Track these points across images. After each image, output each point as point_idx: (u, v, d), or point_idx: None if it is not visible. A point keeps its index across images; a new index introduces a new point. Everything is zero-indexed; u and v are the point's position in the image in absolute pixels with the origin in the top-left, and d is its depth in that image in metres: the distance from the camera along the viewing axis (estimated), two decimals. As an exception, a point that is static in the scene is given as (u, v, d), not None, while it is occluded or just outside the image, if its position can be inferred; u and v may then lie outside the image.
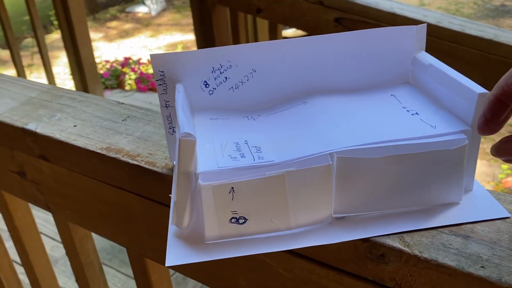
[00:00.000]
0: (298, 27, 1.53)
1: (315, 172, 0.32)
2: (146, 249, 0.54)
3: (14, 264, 0.98)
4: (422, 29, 0.43)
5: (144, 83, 3.23)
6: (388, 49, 0.43)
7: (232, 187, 0.32)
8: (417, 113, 0.39)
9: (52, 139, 0.51)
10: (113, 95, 2.89)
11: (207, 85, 0.40)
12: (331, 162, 0.33)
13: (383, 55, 0.43)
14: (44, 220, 1.71)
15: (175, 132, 0.41)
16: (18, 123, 0.55)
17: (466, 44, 1.22)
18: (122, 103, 0.57)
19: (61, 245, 1.73)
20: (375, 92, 0.43)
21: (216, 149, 0.35)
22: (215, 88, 0.40)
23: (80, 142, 0.49)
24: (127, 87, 3.34)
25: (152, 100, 2.77)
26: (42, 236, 0.89)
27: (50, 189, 0.58)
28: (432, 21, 1.28)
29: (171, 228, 0.35)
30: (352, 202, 0.35)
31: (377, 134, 0.35)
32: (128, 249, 0.59)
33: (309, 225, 0.35)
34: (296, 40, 0.40)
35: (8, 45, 2.26)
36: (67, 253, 0.75)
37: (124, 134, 0.51)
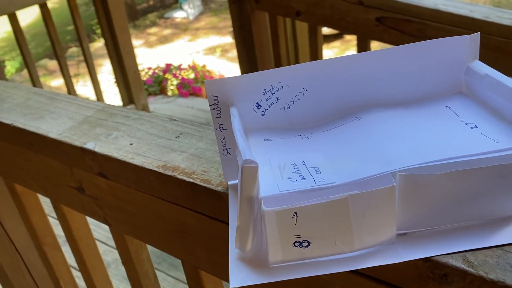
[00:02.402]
0: (338, 29, 1.52)
1: (379, 194, 0.32)
2: (201, 262, 0.56)
3: (71, 268, 1.03)
4: (476, 38, 0.42)
5: (186, 88, 3.29)
6: (440, 60, 0.42)
7: (295, 212, 0.32)
8: (476, 126, 0.38)
9: (110, 157, 0.53)
10: (156, 101, 2.97)
11: (259, 107, 0.41)
12: (395, 184, 0.33)
13: (436, 67, 0.42)
14: (96, 226, 1.78)
15: (229, 153, 0.42)
16: (77, 143, 0.57)
17: (517, 38, 1.17)
18: (175, 120, 0.58)
19: (113, 250, 1.79)
20: (429, 104, 0.42)
21: (275, 172, 0.36)
22: (267, 109, 0.41)
23: (137, 161, 0.51)
24: (170, 93, 3.41)
25: (194, 104, 2.82)
26: (94, 241, 0.92)
27: (108, 204, 0.61)
28: (479, 16, 1.24)
29: (233, 251, 0.36)
30: (414, 218, 0.35)
31: (439, 151, 0.35)
32: (183, 261, 0.60)
33: (372, 247, 0.35)
34: (346, 57, 0.40)
35: (56, 57, 2.36)
36: (123, 263, 0.78)
37: (178, 151, 0.52)
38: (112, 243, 1.77)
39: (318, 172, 0.35)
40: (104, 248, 1.77)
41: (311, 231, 0.33)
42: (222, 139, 0.41)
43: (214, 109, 0.40)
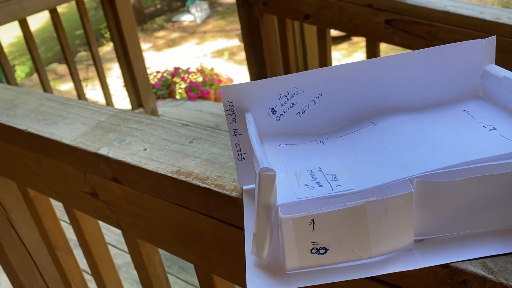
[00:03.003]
0: (347, 31, 1.52)
1: (397, 201, 0.32)
2: (214, 267, 0.56)
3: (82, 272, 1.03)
4: (491, 42, 0.42)
5: (194, 92, 3.31)
6: (456, 64, 0.42)
7: (313, 219, 0.32)
8: (494, 128, 0.37)
9: (124, 163, 0.54)
10: (165, 105, 2.98)
11: (274, 112, 0.41)
12: (413, 190, 0.33)
13: (452, 71, 0.42)
14: (106, 229, 1.79)
15: (244, 158, 0.42)
16: (91, 148, 0.58)
17: (529, 39, 1.16)
18: (187, 125, 0.59)
19: (123, 253, 1.80)
20: (446, 109, 0.42)
21: (291, 179, 0.36)
22: (282, 114, 0.41)
23: (151, 166, 0.52)
24: (178, 96, 3.42)
25: (202, 108, 2.83)
26: (105, 245, 0.93)
27: (121, 209, 0.61)
28: (489, 17, 1.23)
29: (250, 258, 0.36)
30: (432, 224, 0.35)
31: (457, 155, 0.34)
32: (196, 265, 0.60)
33: (390, 253, 0.34)
34: (361, 62, 0.40)
35: (66, 62, 2.37)
36: (135, 267, 0.78)
37: (192, 156, 0.52)
38: (122, 246, 1.78)
39: (335, 179, 0.35)
40: (115, 252, 1.78)
41: (328, 238, 0.33)
42: (237, 144, 0.42)
43: (229, 114, 0.40)
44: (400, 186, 0.33)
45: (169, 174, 0.50)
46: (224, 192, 0.46)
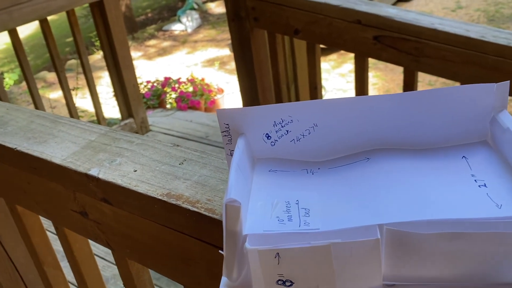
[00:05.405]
0: (336, 47, 1.54)
1: (363, 245, 0.32)
2: (204, 288, 0.56)
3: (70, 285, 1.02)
4: (504, 87, 0.40)
5: (184, 102, 3.31)
6: (462, 107, 0.40)
7: (278, 253, 0.33)
8: (485, 185, 0.36)
9: (115, 184, 0.54)
10: (155, 114, 2.98)
11: (269, 137, 0.42)
12: (379, 237, 0.32)
13: (458, 113, 0.41)
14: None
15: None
16: (81, 169, 0.58)
17: (513, 58, 1.19)
18: (178, 146, 0.59)
19: (112, 265, 1.78)
20: (446, 152, 0.41)
21: (267, 209, 0.36)
22: (276, 140, 0.42)
23: (141, 188, 0.52)
24: (168, 106, 3.42)
25: (192, 118, 2.83)
26: (93, 257, 0.92)
27: (111, 229, 0.61)
28: (475, 35, 1.25)
29: (224, 282, 0.37)
30: (403, 271, 0.34)
31: (433, 210, 0.34)
32: (185, 286, 0.61)
33: None
34: (359, 98, 0.40)
35: (56, 71, 2.37)
36: (125, 285, 0.78)
37: (182, 178, 0.53)
38: (110, 258, 1.76)
39: (307, 215, 0.35)
40: (103, 264, 1.76)
41: (294, 272, 0.33)
42: None
43: (225, 136, 0.41)
44: (367, 231, 0.33)
45: (159, 197, 0.50)
46: (214, 216, 0.47)
